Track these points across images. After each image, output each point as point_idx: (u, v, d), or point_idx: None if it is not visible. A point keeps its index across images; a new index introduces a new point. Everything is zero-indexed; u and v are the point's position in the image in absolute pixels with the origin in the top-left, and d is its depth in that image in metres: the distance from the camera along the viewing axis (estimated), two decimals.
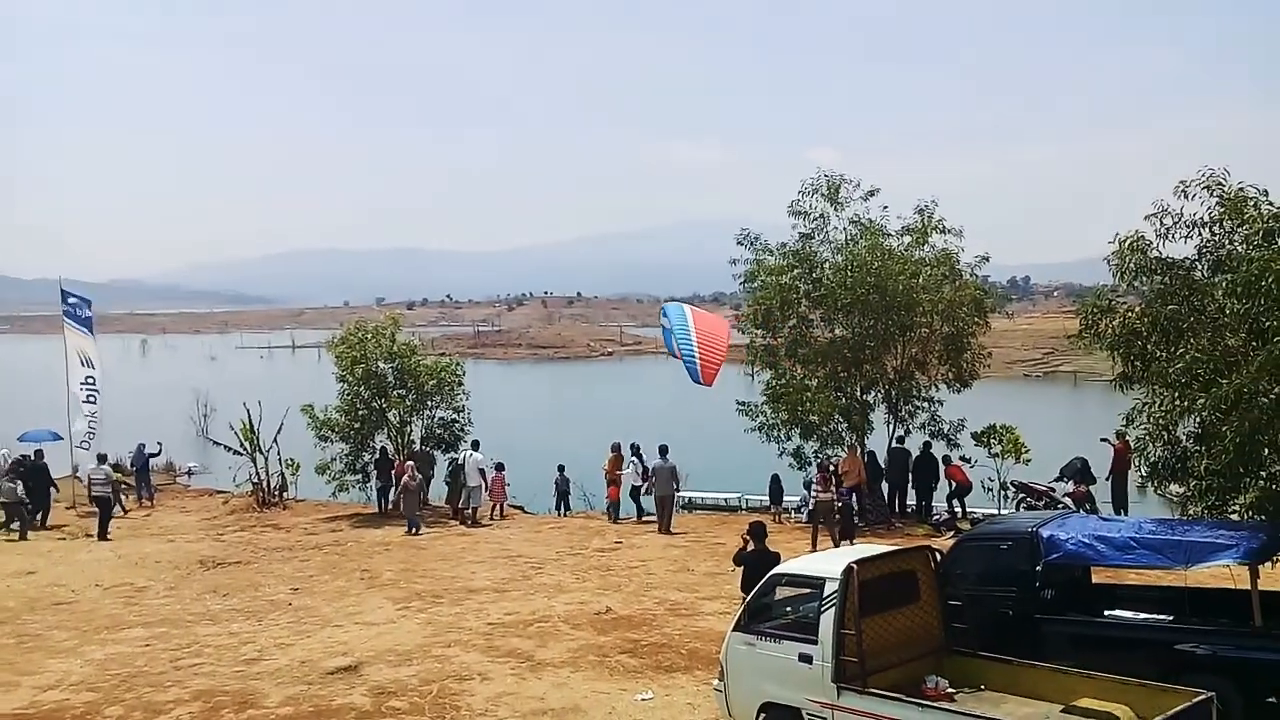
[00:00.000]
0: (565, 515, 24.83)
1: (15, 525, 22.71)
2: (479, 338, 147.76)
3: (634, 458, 23.51)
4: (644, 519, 23.40)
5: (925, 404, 23.34)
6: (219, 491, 28.56)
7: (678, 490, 22.47)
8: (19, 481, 23.25)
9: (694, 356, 21.16)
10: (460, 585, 16.76)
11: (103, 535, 22.19)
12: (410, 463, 23.38)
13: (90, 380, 27.31)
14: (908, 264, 22.31)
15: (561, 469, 25.52)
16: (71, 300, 28.03)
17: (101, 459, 23.62)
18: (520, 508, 25.26)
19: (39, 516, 23.90)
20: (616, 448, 23.68)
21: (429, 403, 24.90)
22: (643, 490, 23.44)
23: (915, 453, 22.69)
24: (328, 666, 12.57)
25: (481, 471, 23.27)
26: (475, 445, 23.92)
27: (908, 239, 23.07)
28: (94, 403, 27.20)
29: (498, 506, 24.02)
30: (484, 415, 26.87)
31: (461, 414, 25.19)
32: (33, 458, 24.69)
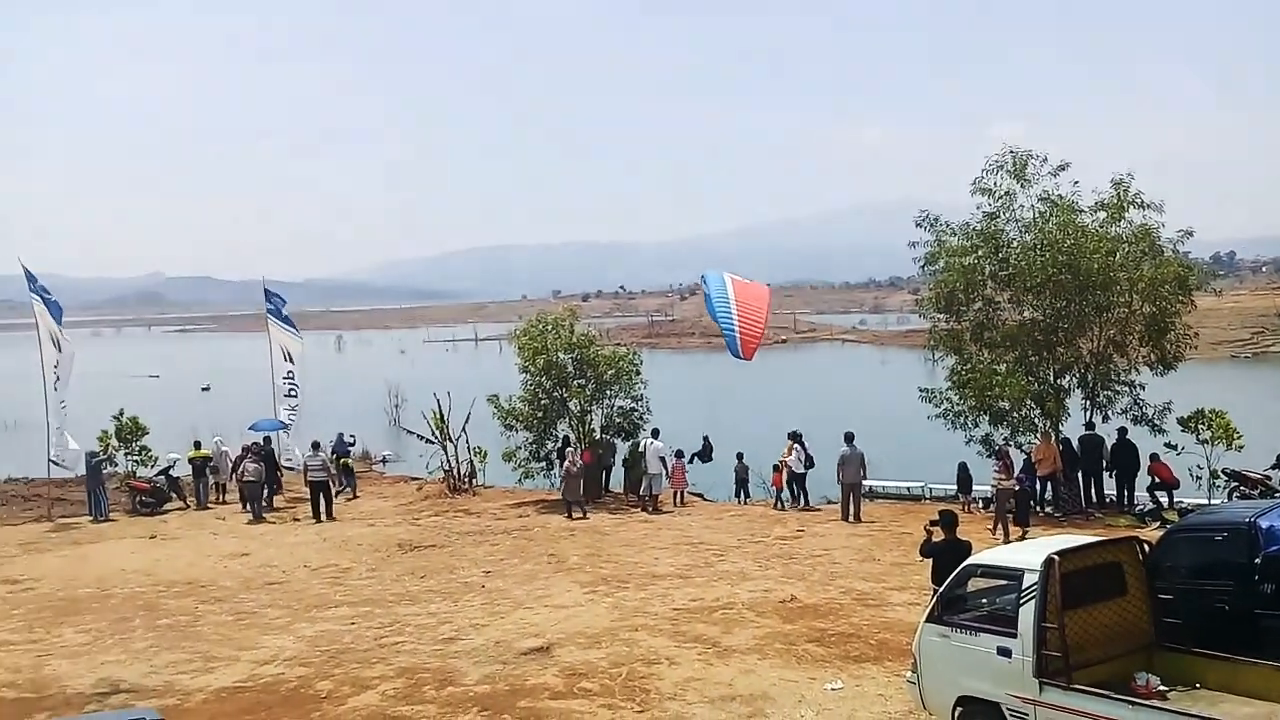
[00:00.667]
0: (745, 503, 24.78)
1: (249, 506, 24.39)
2: (653, 328, 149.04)
3: (795, 444, 23.33)
4: (807, 506, 23.29)
5: (1125, 388, 22.18)
6: (413, 478, 29.80)
7: (864, 478, 22.10)
8: (261, 464, 24.93)
9: (734, 329, 20.77)
10: (644, 571, 16.97)
11: (329, 515, 23.66)
12: (569, 449, 24.00)
13: (291, 375, 28.96)
14: (1103, 241, 21.24)
15: (740, 457, 25.48)
16: (274, 299, 29.79)
17: (316, 446, 25.09)
18: (700, 495, 25.37)
19: (268, 498, 25.63)
20: (794, 435, 23.48)
21: (608, 392, 25.26)
22: (804, 478, 23.37)
23: (1111, 439, 21.61)
24: (521, 647, 12.93)
25: (662, 459, 23.48)
26: (655, 433, 24.16)
27: (1102, 215, 21.93)
28: (295, 396, 28.85)
29: (678, 494, 24.20)
30: (660, 403, 27.05)
31: (640, 402, 25.46)
32: (261, 444, 26.42)
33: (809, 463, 23.24)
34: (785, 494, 23.56)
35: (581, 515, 22.50)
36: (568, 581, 16.47)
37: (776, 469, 23.80)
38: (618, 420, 25.42)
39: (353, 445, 29.87)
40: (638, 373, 25.40)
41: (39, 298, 25.05)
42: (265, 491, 25.17)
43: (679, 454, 24.23)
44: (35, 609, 15.79)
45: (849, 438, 21.76)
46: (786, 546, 18.63)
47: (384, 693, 11.56)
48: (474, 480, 27.14)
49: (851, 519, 21.09)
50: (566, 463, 23.35)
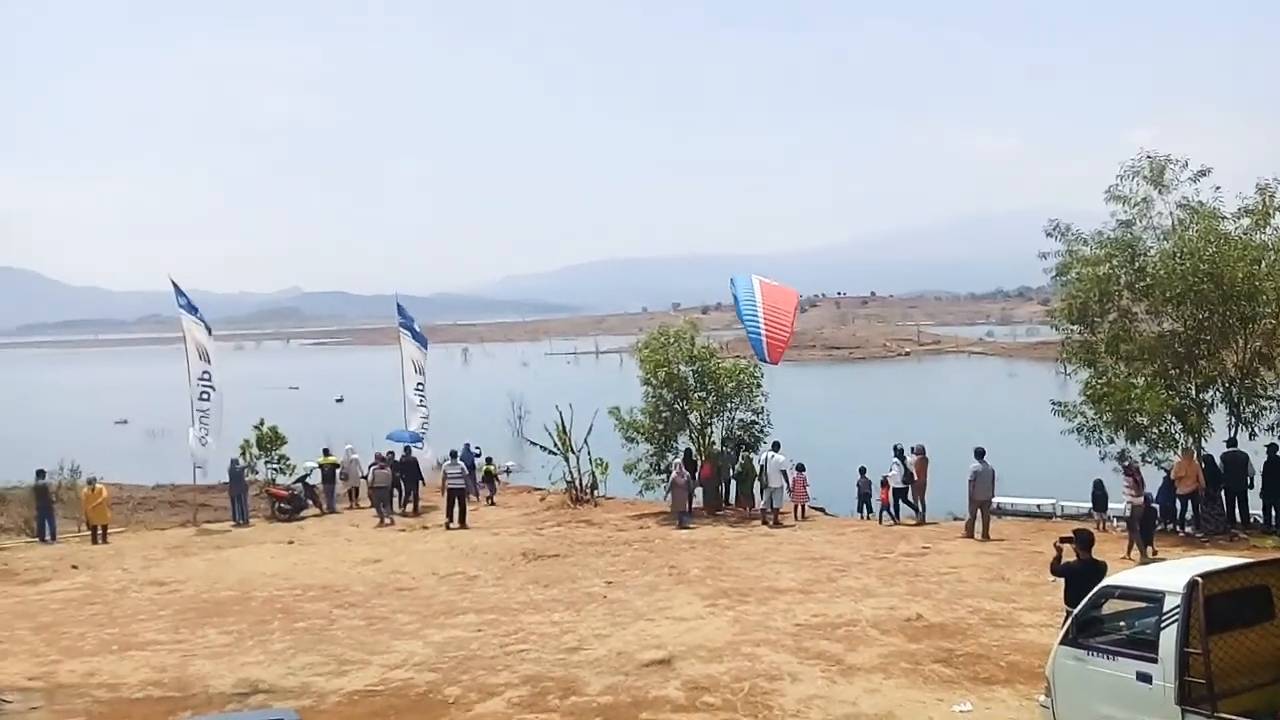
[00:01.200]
0: (868, 518, 24.41)
1: (382, 509, 25.41)
2: None
3: (895, 459, 23.07)
4: (899, 520, 23.08)
5: (1273, 403, 21.09)
6: (536, 489, 30.23)
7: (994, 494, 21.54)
8: (389, 470, 26.13)
9: (760, 332, 21.28)
10: (766, 585, 16.82)
11: (462, 523, 24.38)
12: (678, 460, 24.26)
13: (421, 387, 29.79)
14: (1248, 249, 20.24)
15: (863, 471, 25.12)
16: (405, 313, 30.73)
17: (454, 455, 25.84)
18: (821, 509, 25.06)
19: (410, 504, 26.88)
20: (919, 450, 23.06)
21: (728, 404, 25.21)
22: (906, 492, 23.19)
23: (1258, 456, 20.54)
24: (642, 659, 12.94)
25: (783, 473, 23.31)
26: (775, 446, 23.99)
27: (1246, 221, 20.92)
28: (425, 406, 29.66)
29: (799, 507, 23.98)
30: (781, 416, 26.86)
31: (761, 415, 25.35)
32: (403, 453, 27.59)
33: (907, 477, 23.01)
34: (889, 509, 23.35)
35: (687, 526, 22.50)
36: (688, 594, 16.44)
37: (884, 484, 23.55)
38: (738, 433, 25.37)
39: (478, 456, 30.51)
40: (758, 385, 25.29)
41: (187, 312, 26.34)
42: (397, 497, 26.22)
43: (800, 467, 24.02)
44: (181, 610, 16.53)
45: (979, 453, 21.18)
46: (911, 563, 18.26)
47: (509, 700, 11.70)
48: (595, 491, 27.39)
49: (980, 536, 20.55)
50: (673, 474, 23.53)
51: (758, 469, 24.05)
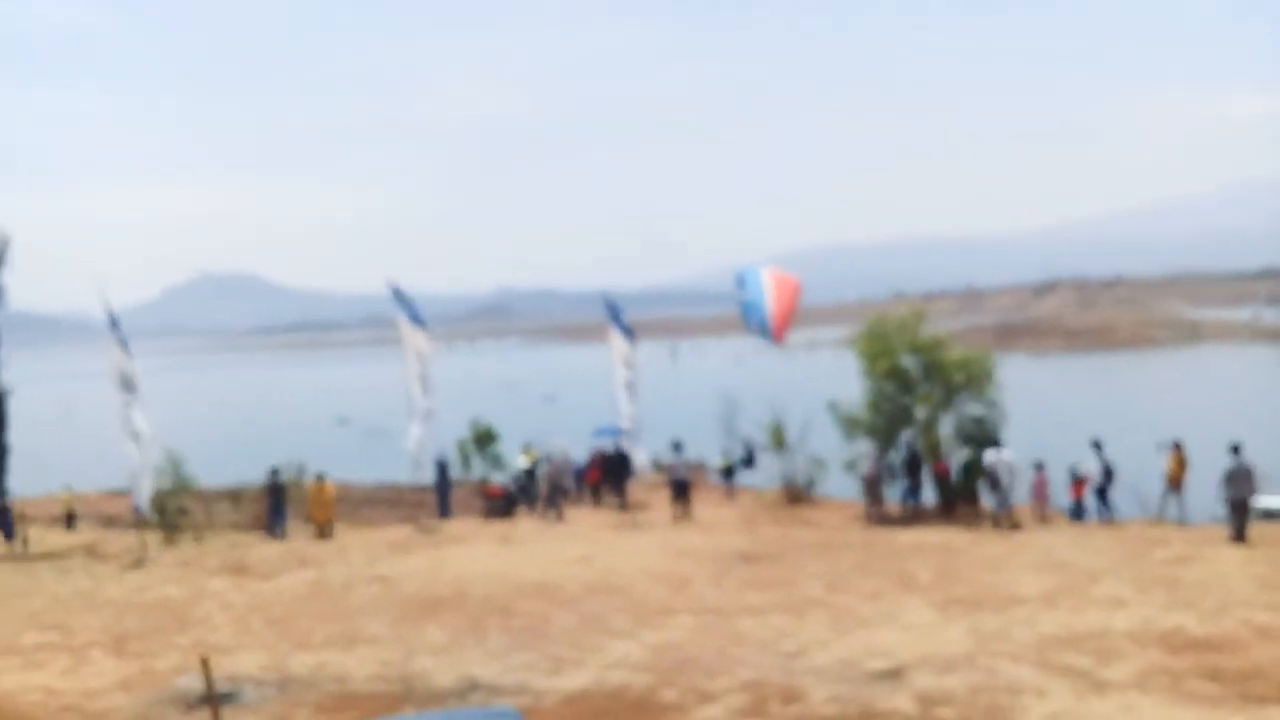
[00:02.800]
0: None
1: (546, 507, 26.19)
2: (1004, 329, 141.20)
3: (1096, 452, 21.93)
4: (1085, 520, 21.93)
5: None
6: (750, 487, 29.65)
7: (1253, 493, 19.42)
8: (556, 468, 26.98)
9: (764, 312, 21.85)
10: (1004, 593, 15.64)
11: (686, 515, 24.74)
12: (871, 453, 23.70)
13: (629, 383, 29.71)
14: None
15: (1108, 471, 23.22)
16: (613, 309, 30.70)
17: (677, 448, 25.88)
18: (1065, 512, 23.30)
19: (619, 499, 27.55)
20: (1177, 445, 21.14)
21: (957, 398, 23.80)
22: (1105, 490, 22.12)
23: None
24: (869, 668, 12.21)
25: (1013, 471, 21.82)
26: (998, 444, 22.49)
27: None
28: (634, 404, 29.57)
29: (1039, 509, 22.42)
30: (1015, 411, 25.18)
31: (994, 410, 23.80)
32: (611, 448, 28.40)
33: (1107, 473, 21.98)
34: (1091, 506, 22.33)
35: (876, 520, 22.20)
36: (918, 601, 15.47)
37: (1079, 480, 22.52)
38: (968, 429, 23.91)
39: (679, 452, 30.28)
40: (991, 377, 23.74)
41: (403, 313, 27.14)
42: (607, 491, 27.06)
43: (1038, 466, 22.48)
44: (402, 607, 16.84)
45: (1236, 449, 19.18)
46: (1170, 571, 16.58)
47: (729, 706, 11.21)
48: (813, 491, 26.53)
49: (1234, 537, 18.58)
50: (868, 465, 23.19)
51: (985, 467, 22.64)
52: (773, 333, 21.92)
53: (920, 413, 23.90)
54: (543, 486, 27.24)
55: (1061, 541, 19.69)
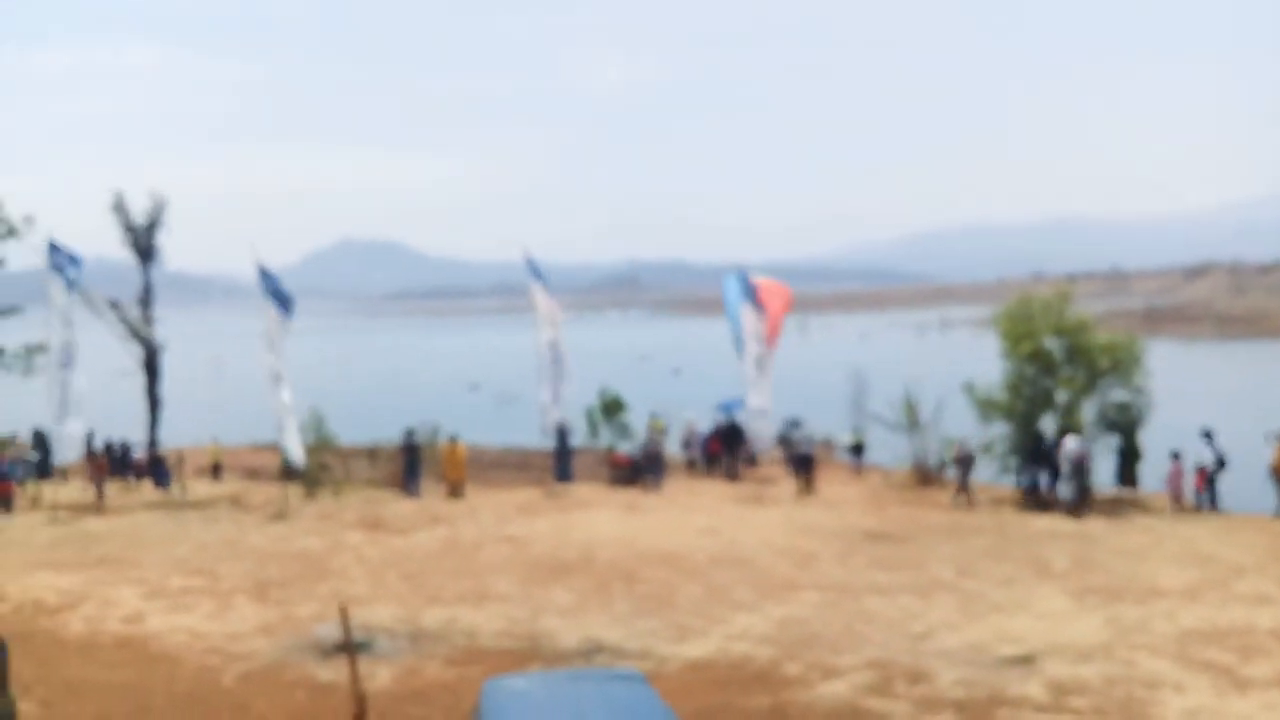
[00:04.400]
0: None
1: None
2: (1152, 313, 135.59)
3: (1205, 442, 21.45)
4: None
5: None
6: (879, 466, 29.21)
7: None
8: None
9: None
10: (1143, 585, 15.10)
11: (810, 489, 25.07)
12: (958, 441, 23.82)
13: (759, 357, 29.50)
14: None
15: (1175, 456, 22.34)
16: (744, 283, 30.44)
17: (795, 424, 25.82)
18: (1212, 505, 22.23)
19: (735, 468, 27.94)
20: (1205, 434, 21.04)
21: (1101, 382, 22.89)
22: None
23: None
24: (1000, 654, 11.99)
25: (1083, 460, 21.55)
26: (1069, 432, 22.07)
27: None
28: (764, 376, 29.38)
29: (1175, 499, 21.56)
30: (1160, 398, 24.07)
31: (1140, 396, 22.81)
32: (725, 420, 28.72)
33: (1219, 463, 21.62)
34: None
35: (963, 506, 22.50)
36: (1052, 589, 15.07)
37: (1199, 472, 21.73)
38: (1111, 414, 23.00)
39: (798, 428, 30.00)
40: (1138, 362, 22.75)
41: (536, 281, 27.54)
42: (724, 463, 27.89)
43: (1175, 455, 21.66)
44: (530, 567, 17.22)
45: None
46: None
47: (853, 683, 11.16)
48: (944, 472, 25.96)
49: None
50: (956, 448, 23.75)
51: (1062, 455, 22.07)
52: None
53: (1062, 397, 23.03)
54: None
55: (1204, 534, 18.87)
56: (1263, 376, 76.60)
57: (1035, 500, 22.68)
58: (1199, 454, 21.78)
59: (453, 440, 26.48)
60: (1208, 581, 15.26)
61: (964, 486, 23.35)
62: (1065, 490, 21.87)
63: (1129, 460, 23.06)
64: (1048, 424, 23.24)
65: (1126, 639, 12.47)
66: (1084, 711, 10.15)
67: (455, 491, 25.56)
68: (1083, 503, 21.47)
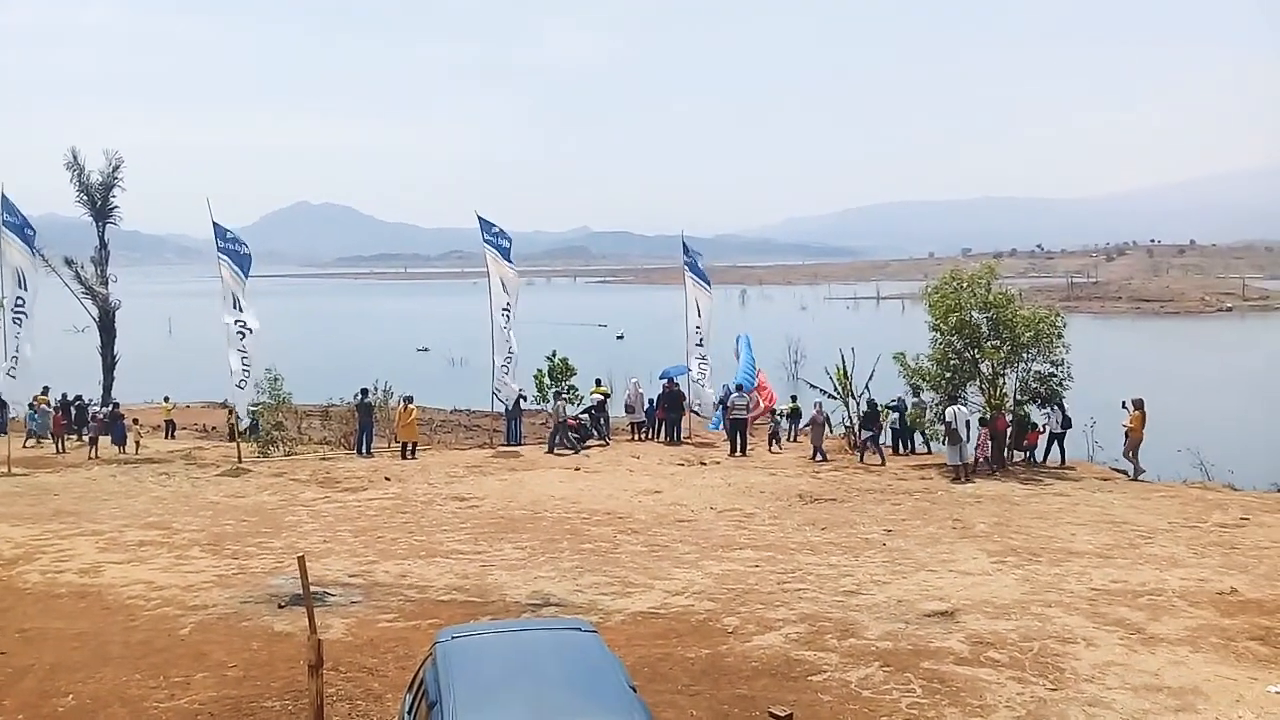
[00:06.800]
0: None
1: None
2: (1073, 290, 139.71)
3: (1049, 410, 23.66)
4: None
5: None
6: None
7: None
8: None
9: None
10: (1059, 546, 15.96)
11: (743, 452, 26.11)
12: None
13: (698, 328, 30.17)
14: None
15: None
16: (691, 253, 31.06)
17: (740, 389, 26.73)
18: (1124, 473, 23.43)
19: (676, 433, 28.43)
20: (1139, 404, 22.64)
21: (1025, 355, 23.89)
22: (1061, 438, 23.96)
23: None
24: (924, 609, 12.67)
25: (968, 424, 22.84)
26: (956, 399, 23.31)
27: None
28: (703, 346, 30.08)
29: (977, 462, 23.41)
30: (1081, 371, 25.14)
31: (1060, 368, 23.86)
32: (665, 385, 29.17)
33: (1065, 423, 23.93)
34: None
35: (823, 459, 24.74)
36: (974, 548, 15.88)
37: (1037, 430, 24.18)
38: (1033, 385, 24.04)
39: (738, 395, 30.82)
40: (1060, 335, 23.76)
41: (491, 246, 27.87)
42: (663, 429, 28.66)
43: (982, 421, 23.72)
44: (479, 524, 17.72)
45: None
46: (1227, 534, 16.72)
47: (787, 635, 11.78)
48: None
49: None
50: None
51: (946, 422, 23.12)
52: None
53: (986, 368, 24.00)
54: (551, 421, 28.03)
55: (1120, 500, 19.86)
56: (1168, 350, 79.38)
57: (872, 452, 25.01)
58: (1049, 418, 23.92)
59: (406, 401, 26.87)
60: (1120, 544, 16.08)
61: (857, 446, 25.27)
62: (952, 456, 22.68)
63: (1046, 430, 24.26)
64: (973, 393, 24.24)
65: (1042, 596, 13.17)
66: (1001, 664, 10.77)
67: (408, 451, 25.96)
68: (965, 467, 22.38)
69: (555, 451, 26.43)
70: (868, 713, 9.61)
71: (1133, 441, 22.68)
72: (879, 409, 26.09)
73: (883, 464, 24.38)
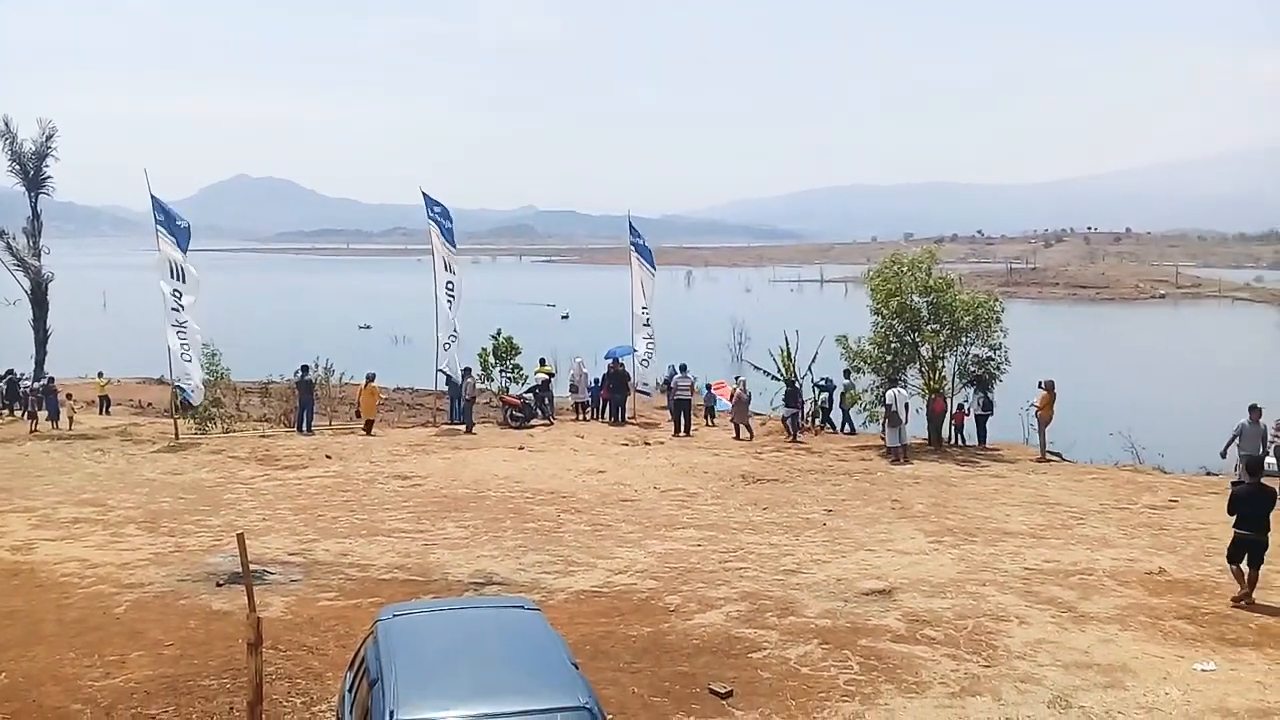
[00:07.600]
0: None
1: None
2: (1012, 275, 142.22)
3: (976, 393, 24.31)
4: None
5: None
6: (756, 414, 30.25)
7: (1266, 454, 19.83)
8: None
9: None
10: (994, 526, 16.30)
11: (687, 432, 26.56)
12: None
13: (645, 308, 30.25)
14: None
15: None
16: (637, 234, 31.08)
17: (683, 369, 27.11)
18: (1058, 455, 23.92)
19: (620, 413, 28.54)
20: (1049, 385, 23.06)
21: (964, 339, 24.26)
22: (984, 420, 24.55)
23: None
24: (862, 587, 12.88)
25: (907, 407, 23.09)
26: (895, 382, 23.65)
27: None
28: (649, 326, 30.17)
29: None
30: (1018, 355, 25.60)
31: (998, 352, 24.27)
32: (611, 366, 29.14)
33: (987, 405, 24.48)
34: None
35: (749, 438, 25.29)
36: (911, 528, 16.16)
37: (961, 410, 24.94)
38: (972, 369, 24.45)
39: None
40: (998, 320, 24.17)
41: (435, 223, 27.62)
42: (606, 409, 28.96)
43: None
44: (422, 503, 17.64)
45: (1254, 411, 19.67)
46: (1156, 516, 17.19)
47: (728, 613, 11.92)
48: (817, 420, 27.18)
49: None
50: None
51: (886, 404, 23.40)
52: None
53: (926, 351, 24.34)
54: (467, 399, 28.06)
55: (1054, 482, 20.30)
56: (1102, 336, 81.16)
57: (793, 429, 25.64)
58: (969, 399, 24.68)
59: (369, 380, 26.87)
60: (1053, 524, 16.46)
61: (791, 426, 25.65)
62: (892, 438, 22.86)
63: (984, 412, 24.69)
64: (913, 376, 24.60)
65: (977, 576, 13.46)
66: (937, 641, 11.01)
67: (369, 429, 26.05)
68: (903, 448, 22.66)
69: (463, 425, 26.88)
70: (806, 689, 9.76)
71: (1042, 419, 23.12)
72: (798, 387, 26.79)
73: (793, 439, 25.02)
